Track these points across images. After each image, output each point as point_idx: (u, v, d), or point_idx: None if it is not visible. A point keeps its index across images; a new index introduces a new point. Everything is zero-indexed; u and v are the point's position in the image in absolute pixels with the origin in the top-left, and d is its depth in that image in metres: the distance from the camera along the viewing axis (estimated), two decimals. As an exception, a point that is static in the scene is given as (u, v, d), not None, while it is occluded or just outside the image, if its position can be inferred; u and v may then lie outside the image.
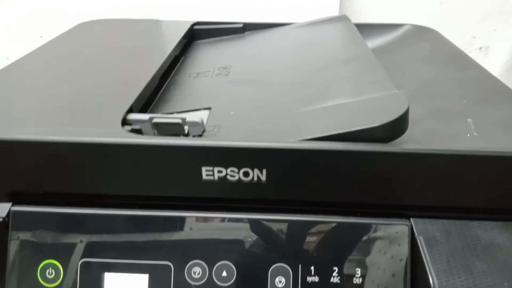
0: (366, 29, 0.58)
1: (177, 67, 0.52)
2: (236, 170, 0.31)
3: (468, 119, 0.37)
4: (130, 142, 0.29)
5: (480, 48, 0.76)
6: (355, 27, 0.52)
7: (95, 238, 0.33)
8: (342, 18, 0.56)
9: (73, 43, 0.53)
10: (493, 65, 0.76)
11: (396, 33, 0.58)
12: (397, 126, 0.30)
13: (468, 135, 0.35)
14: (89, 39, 0.54)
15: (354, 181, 0.31)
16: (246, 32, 0.60)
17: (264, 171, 0.31)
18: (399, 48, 0.55)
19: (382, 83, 0.36)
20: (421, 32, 0.57)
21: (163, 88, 0.46)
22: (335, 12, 0.66)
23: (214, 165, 0.31)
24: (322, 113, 0.34)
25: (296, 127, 0.33)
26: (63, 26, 0.62)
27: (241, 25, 0.60)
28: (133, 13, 0.74)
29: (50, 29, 0.74)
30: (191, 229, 0.33)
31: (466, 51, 0.76)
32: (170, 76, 0.49)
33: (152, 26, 0.61)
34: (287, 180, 0.31)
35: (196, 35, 0.60)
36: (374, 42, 0.58)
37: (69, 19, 0.73)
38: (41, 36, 0.75)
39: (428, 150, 0.30)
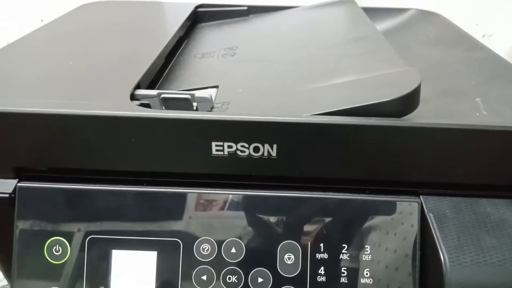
0: (371, 12, 0.58)
1: (181, 48, 0.51)
2: (246, 145, 0.31)
3: (477, 99, 0.37)
4: (139, 116, 0.29)
5: (483, 35, 0.75)
6: (361, 9, 0.51)
7: (102, 214, 0.33)
8: (348, 1, 0.55)
9: (75, 23, 0.52)
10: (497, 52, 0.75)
11: (401, 17, 0.58)
12: (409, 101, 0.30)
13: (478, 113, 0.35)
14: (91, 20, 0.54)
15: (364, 156, 0.31)
16: (251, 15, 0.59)
17: (275, 146, 0.31)
18: (405, 31, 0.55)
19: (393, 60, 0.35)
20: (427, 16, 0.56)
21: (168, 68, 0.45)
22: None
23: (224, 140, 0.30)
24: (333, 89, 0.33)
25: (306, 103, 0.32)
26: (63, 10, 0.61)
27: (245, 8, 0.59)
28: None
29: (50, 13, 0.73)
30: (200, 206, 0.33)
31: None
32: (175, 57, 0.48)
33: (155, 8, 0.60)
34: (298, 156, 0.31)
35: (200, 17, 0.60)
36: (380, 25, 0.57)
37: (69, 3, 0.72)
38: (42, 20, 0.74)
39: (439, 124, 0.30)
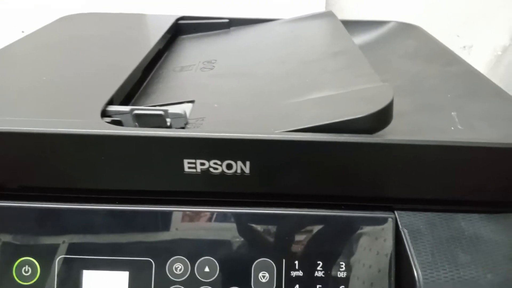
0: (351, 25, 0.58)
1: (160, 61, 0.51)
2: (219, 162, 0.30)
3: (453, 113, 0.37)
4: (108, 133, 0.28)
5: (464, 47, 0.76)
6: (340, 23, 0.52)
7: (73, 234, 0.32)
8: (328, 14, 0.56)
9: (54, 35, 0.51)
10: (476, 64, 0.76)
11: (381, 29, 0.58)
12: (382, 117, 0.30)
13: (453, 128, 0.35)
14: (70, 32, 0.53)
15: (338, 173, 0.31)
16: (232, 28, 0.59)
17: (248, 163, 0.30)
18: (384, 44, 0.55)
19: (368, 76, 0.35)
20: (406, 29, 0.57)
21: (146, 82, 0.45)
22: (321, 9, 0.66)
23: (196, 157, 0.30)
24: (307, 105, 0.33)
25: (280, 119, 0.32)
26: (44, 22, 0.60)
27: (226, 21, 0.59)
28: (117, 8, 0.73)
29: (32, 25, 0.72)
30: (172, 224, 0.32)
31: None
32: (154, 70, 0.48)
33: (135, 20, 0.60)
34: (271, 173, 0.31)
35: (181, 30, 0.60)
36: (360, 38, 0.57)
37: (51, 14, 0.72)
38: (23, 31, 0.73)
39: (411, 141, 0.30)
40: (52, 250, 0.32)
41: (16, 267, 0.32)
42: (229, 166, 0.30)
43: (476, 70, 0.44)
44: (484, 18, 0.75)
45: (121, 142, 0.29)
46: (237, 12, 0.65)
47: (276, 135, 0.29)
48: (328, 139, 0.29)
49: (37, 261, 0.32)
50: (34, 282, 0.32)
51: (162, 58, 0.52)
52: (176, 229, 0.32)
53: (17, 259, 0.32)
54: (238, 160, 0.30)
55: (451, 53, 0.49)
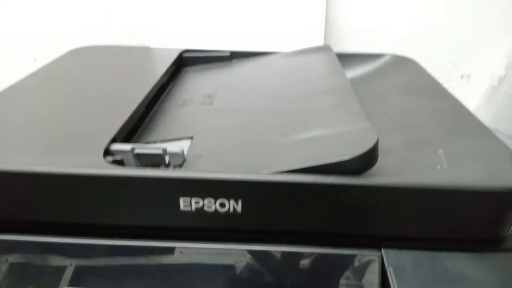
0: (348, 58, 0.61)
1: (165, 93, 0.53)
2: (212, 201, 0.32)
3: (439, 151, 0.39)
4: (108, 174, 0.31)
5: (462, 76, 0.78)
6: (336, 58, 0.54)
7: (74, 266, 0.34)
8: (324, 48, 0.58)
9: (63, 70, 0.54)
10: (474, 93, 0.78)
11: (377, 62, 0.60)
12: (366, 159, 0.32)
13: (439, 166, 0.37)
14: (79, 66, 0.56)
15: (325, 212, 0.32)
16: (233, 60, 0.62)
17: (240, 202, 0.32)
18: (379, 77, 0.57)
19: (356, 115, 0.37)
20: (401, 62, 0.59)
21: (149, 116, 0.47)
22: (320, 40, 0.69)
23: (191, 196, 0.32)
24: (297, 145, 0.35)
25: (270, 159, 0.34)
26: (56, 50, 0.63)
27: (228, 53, 0.62)
28: (126, 40, 0.76)
29: (43, 53, 0.76)
30: (168, 258, 0.34)
31: (448, 79, 0.78)
32: (157, 103, 0.51)
33: (142, 53, 0.63)
34: (261, 211, 0.32)
35: (185, 62, 0.62)
36: (356, 71, 0.60)
37: (63, 43, 0.76)
38: (35, 60, 0.77)
39: (395, 183, 0.31)
40: (54, 282, 0.34)
41: (21, 297, 0.34)
42: (222, 205, 0.32)
43: (463, 106, 0.46)
44: (482, 47, 0.77)
45: (120, 181, 0.31)
46: (242, 45, 0.68)
47: (265, 176, 0.31)
48: (313, 181, 0.31)
49: (40, 291, 0.34)
50: (38, 311, 0.34)
51: (166, 91, 0.54)
52: (172, 263, 0.34)
53: (22, 289, 0.34)
54: (231, 199, 0.32)
55: (441, 88, 0.51)
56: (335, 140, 0.34)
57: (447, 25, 0.74)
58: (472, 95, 0.78)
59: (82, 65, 0.57)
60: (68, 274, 0.34)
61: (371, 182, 0.31)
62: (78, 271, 0.34)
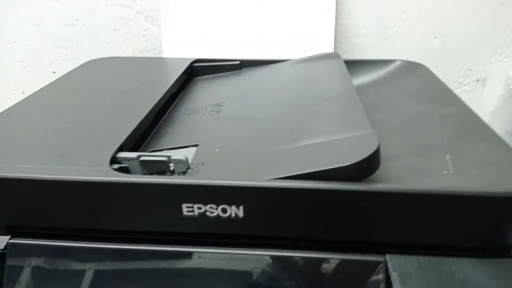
0: (358, 65, 0.61)
1: (175, 102, 0.55)
2: (214, 206, 0.33)
3: (446, 156, 0.38)
4: (112, 181, 0.32)
5: (478, 80, 0.77)
6: (344, 65, 0.54)
7: (84, 269, 0.35)
8: (333, 55, 0.58)
9: (78, 80, 0.56)
10: (490, 97, 0.76)
11: (387, 68, 0.60)
12: (366, 166, 0.32)
13: (445, 172, 0.36)
14: (94, 77, 0.58)
15: (326, 218, 0.32)
16: (243, 69, 0.63)
17: (241, 208, 0.32)
18: (388, 83, 0.57)
19: (359, 122, 0.37)
20: (411, 68, 0.59)
21: (159, 124, 0.49)
22: (330, 48, 0.69)
23: (194, 202, 0.33)
24: (299, 152, 0.35)
25: (273, 165, 0.34)
26: (74, 62, 0.66)
27: (238, 62, 0.63)
28: (140, 51, 0.78)
29: (62, 65, 0.79)
30: (172, 262, 0.34)
31: (463, 84, 0.77)
32: (167, 112, 0.52)
33: (154, 63, 0.65)
34: (263, 217, 0.33)
35: (196, 71, 0.64)
36: (366, 77, 0.59)
37: (77, 58, 0.79)
38: (54, 72, 0.80)
39: (395, 189, 0.31)
40: (65, 283, 0.35)
41: (32, 299, 0.35)
42: (224, 210, 0.33)
43: (472, 111, 0.45)
44: (496, 51, 0.75)
45: (125, 188, 0.32)
46: (254, 53, 0.69)
47: (266, 183, 0.32)
48: (313, 187, 0.31)
49: (51, 294, 0.35)
50: (48, 314, 0.35)
51: (177, 100, 0.56)
52: (176, 267, 0.34)
53: (34, 292, 0.35)
54: (232, 205, 0.32)
55: (450, 93, 0.50)
56: (337, 146, 0.35)
57: (461, 28, 0.73)
58: (488, 99, 0.77)
59: (97, 76, 0.59)
60: (77, 276, 0.35)
61: (370, 188, 0.31)
62: (86, 274, 0.35)
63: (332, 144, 0.35)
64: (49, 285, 0.35)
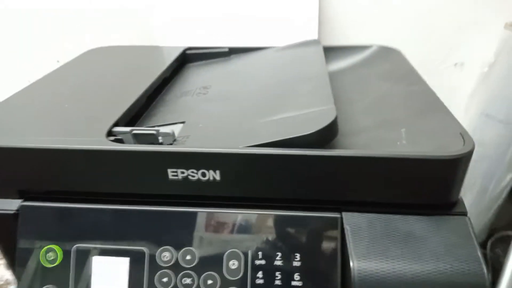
0: (338, 51, 0.66)
1: (167, 86, 0.60)
2: (195, 171, 0.38)
3: (402, 129, 0.43)
4: (108, 149, 0.37)
5: (455, 64, 0.81)
6: (321, 51, 0.59)
7: (86, 227, 0.41)
8: (313, 43, 0.63)
9: (80, 68, 0.62)
10: (467, 80, 0.81)
11: (363, 53, 0.65)
12: (325, 134, 0.37)
13: (398, 142, 0.41)
14: (94, 63, 0.63)
15: (291, 180, 0.38)
16: (232, 55, 0.68)
17: (218, 172, 0.38)
18: (363, 67, 0.62)
19: (324, 99, 0.42)
20: (385, 52, 0.63)
21: (152, 105, 0.54)
22: (315, 35, 0.73)
23: (177, 167, 0.38)
24: (271, 124, 0.41)
25: (247, 136, 0.40)
26: (75, 51, 0.71)
27: (227, 50, 0.68)
28: (137, 41, 0.83)
29: (65, 55, 0.85)
30: (161, 220, 0.40)
31: (441, 67, 0.82)
32: (160, 95, 0.57)
33: (150, 51, 0.70)
34: (237, 179, 0.38)
35: (188, 58, 0.69)
36: (344, 62, 0.64)
37: (80, 46, 0.84)
38: (58, 61, 0.85)
39: (344, 152, 0.36)
40: (69, 240, 0.41)
41: (42, 253, 0.41)
42: (203, 174, 0.38)
43: (431, 89, 0.50)
44: (474, 34, 0.79)
45: (119, 155, 0.38)
46: (241, 41, 0.74)
47: (239, 149, 0.37)
48: (279, 152, 0.36)
49: (58, 248, 0.41)
50: (57, 264, 0.41)
51: (170, 83, 0.61)
52: (164, 224, 0.40)
53: (44, 247, 0.41)
54: (210, 169, 0.38)
55: (416, 74, 0.55)
56: (302, 119, 0.40)
57: (439, 12, 0.77)
58: (466, 82, 0.81)
59: (97, 62, 0.64)
60: (80, 234, 0.41)
61: (327, 153, 0.36)
62: (88, 231, 0.41)
63: (299, 118, 0.40)
64: (55, 241, 0.41)
